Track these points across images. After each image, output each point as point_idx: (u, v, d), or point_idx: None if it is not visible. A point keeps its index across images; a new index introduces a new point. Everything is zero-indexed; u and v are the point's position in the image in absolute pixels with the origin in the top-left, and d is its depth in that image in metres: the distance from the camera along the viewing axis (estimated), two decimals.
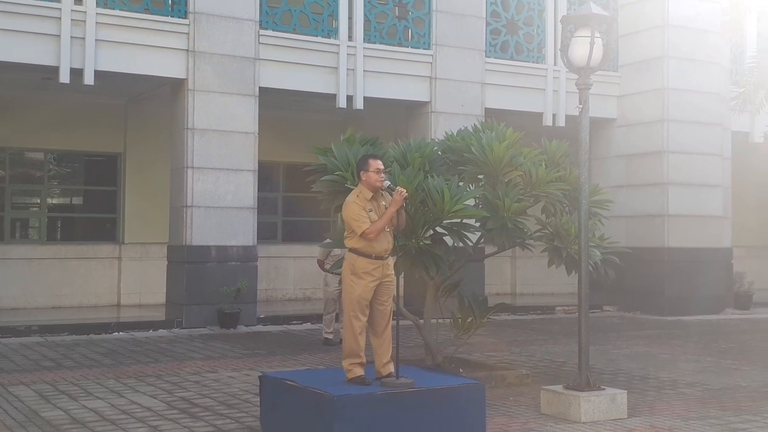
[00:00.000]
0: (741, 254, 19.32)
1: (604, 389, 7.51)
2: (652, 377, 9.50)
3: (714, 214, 17.64)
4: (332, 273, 11.39)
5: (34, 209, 16.84)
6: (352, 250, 6.58)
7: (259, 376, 7.14)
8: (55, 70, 12.79)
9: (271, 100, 14.67)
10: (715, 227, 17.66)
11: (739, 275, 18.25)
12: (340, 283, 10.13)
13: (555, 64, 16.77)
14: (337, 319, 11.93)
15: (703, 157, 17.51)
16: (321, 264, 11.80)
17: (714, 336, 13.75)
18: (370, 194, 6.56)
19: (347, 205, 6.61)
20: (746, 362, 10.75)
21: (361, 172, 6.66)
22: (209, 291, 13.43)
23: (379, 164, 6.61)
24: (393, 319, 6.60)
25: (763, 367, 10.30)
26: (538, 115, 16.82)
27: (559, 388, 7.55)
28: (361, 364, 6.51)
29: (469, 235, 8.77)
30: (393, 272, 6.63)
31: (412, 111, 16.09)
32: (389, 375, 6.47)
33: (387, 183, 6.55)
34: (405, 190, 6.51)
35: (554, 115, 16.94)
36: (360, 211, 6.49)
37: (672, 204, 17.19)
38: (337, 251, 11.06)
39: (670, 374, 9.70)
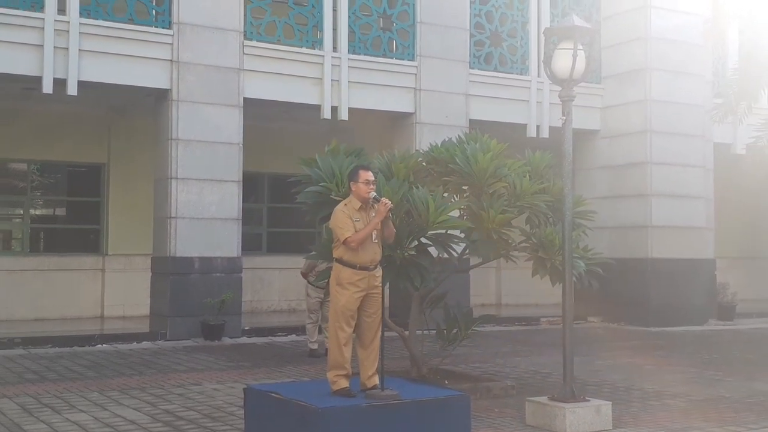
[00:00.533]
0: (724, 265, 19.44)
1: (589, 400, 7.52)
2: (636, 388, 9.52)
3: (697, 225, 17.74)
4: (315, 286, 11.38)
5: (17, 220, 16.73)
6: (337, 260, 6.60)
7: (244, 389, 7.11)
8: (38, 81, 12.73)
9: (256, 111, 14.66)
10: (698, 238, 17.76)
11: (723, 286, 18.35)
12: (325, 295, 10.14)
13: (539, 76, 16.85)
14: (320, 330, 11.92)
15: (686, 168, 17.62)
16: (305, 276, 11.79)
17: (698, 347, 13.80)
18: (359, 204, 6.58)
19: (334, 213, 6.67)
20: (730, 373, 10.79)
21: (351, 183, 6.72)
22: (193, 303, 13.37)
23: (370, 176, 6.64)
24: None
25: (746, 378, 10.34)
26: (522, 127, 16.89)
27: (544, 399, 7.55)
28: (346, 376, 6.50)
29: (453, 246, 8.78)
30: (380, 284, 6.62)
31: (397, 122, 16.12)
32: (374, 387, 6.46)
33: (373, 194, 6.56)
34: (389, 201, 6.53)
35: (538, 127, 17.02)
36: (345, 220, 6.52)
37: (655, 215, 17.28)
38: (321, 265, 11.06)
39: (654, 385, 9.72)
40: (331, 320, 6.62)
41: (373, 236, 6.52)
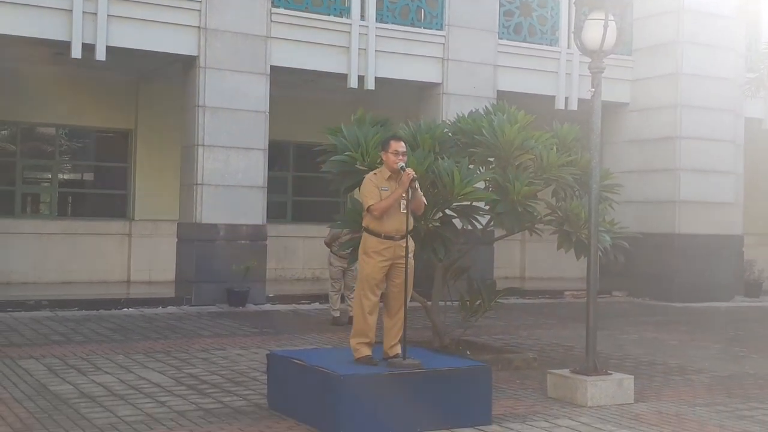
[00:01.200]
0: (752, 242, 19.24)
1: (611, 374, 7.51)
2: (659, 363, 9.49)
3: (725, 201, 17.56)
4: (338, 255, 11.41)
5: (45, 184, 16.89)
6: (364, 228, 6.65)
7: (267, 355, 7.17)
8: (66, 45, 12.78)
9: (283, 79, 14.64)
10: (726, 214, 17.58)
11: (750, 263, 18.19)
12: (350, 263, 10.16)
13: (568, 47, 16.65)
14: (342, 299, 11.98)
15: (716, 143, 17.41)
16: (329, 245, 11.82)
17: (723, 323, 13.72)
18: (388, 174, 6.58)
19: (364, 181, 6.73)
20: (755, 350, 10.73)
21: (382, 152, 6.74)
22: (218, 269, 13.46)
23: (400, 146, 6.61)
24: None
25: None
26: (551, 99, 16.74)
27: (565, 372, 7.55)
28: (368, 344, 6.53)
29: (478, 217, 8.75)
30: (410, 255, 6.60)
31: (423, 92, 16.03)
32: (396, 356, 6.49)
33: (401, 164, 6.53)
34: (413, 172, 6.48)
35: (567, 99, 16.86)
36: (372, 188, 6.55)
37: (683, 190, 17.12)
38: (345, 232, 11.07)
39: (677, 360, 9.69)
40: (357, 288, 6.66)
41: (402, 206, 6.48)
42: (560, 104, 16.79)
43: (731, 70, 17.58)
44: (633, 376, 7.63)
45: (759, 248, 19.81)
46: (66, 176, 17.35)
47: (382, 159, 6.76)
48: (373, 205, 6.50)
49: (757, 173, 19.96)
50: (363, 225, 6.68)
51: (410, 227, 6.64)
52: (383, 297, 6.65)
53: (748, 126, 18.46)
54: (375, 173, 6.73)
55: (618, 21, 7.68)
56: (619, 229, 9.09)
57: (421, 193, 6.79)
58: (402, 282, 6.52)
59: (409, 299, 6.67)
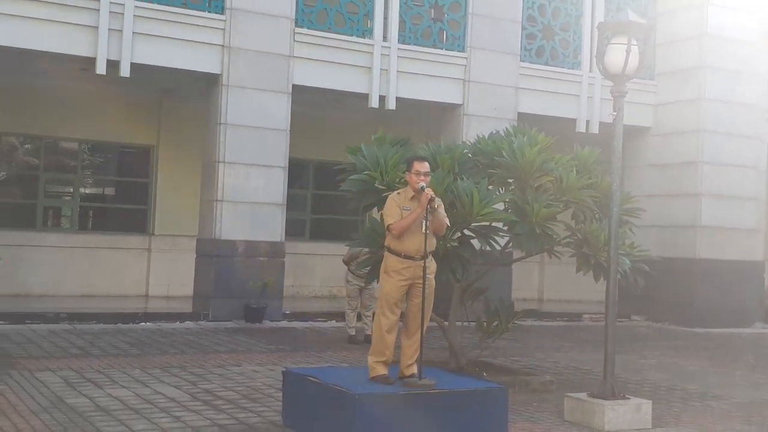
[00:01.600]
0: None
1: (629, 398, 7.45)
2: (678, 388, 9.40)
3: (747, 227, 17.43)
4: (357, 274, 11.38)
5: (67, 198, 17.03)
6: (386, 247, 6.69)
7: (283, 372, 7.17)
8: (92, 61, 12.93)
9: (304, 98, 14.70)
10: (747, 240, 17.45)
11: None
12: (366, 282, 10.14)
13: (590, 71, 16.64)
14: (359, 317, 11.96)
15: (738, 169, 17.31)
16: (347, 264, 11.83)
17: (743, 349, 13.58)
18: (412, 194, 6.58)
19: (387, 199, 6.78)
20: None
21: (407, 173, 6.78)
22: (236, 285, 13.49)
23: (422, 167, 6.63)
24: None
25: None
26: (572, 121, 16.72)
27: (583, 395, 7.49)
28: (385, 363, 6.51)
29: (496, 238, 8.73)
30: (430, 276, 6.59)
31: (444, 113, 16.06)
32: (411, 375, 6.46)
33: (422, 185, 6.53)
34: (431, 192, 6.48)
35: (588, 122, 16.83)
36: (394, 207, 6.58)
37: (705, 215, 17.02)
38: (365, 251, 11.06)
39: (697, 386, 9.59)
40: (377, 307, 6.66)
41: (424, 227, 6.47)
42: (581, 127, 16.75)
43: (754, 96, 17.51)
44: (651, 401, 7.56)
45: None
46: (88, 191, 17.49)
47: (406, 179, 6.79)
48: (392, 224, 6.52)
49: None
50: (385, 244, 6.72)
51: (431, 248, 6.63)
52: (402, 316, 6.64)
53: None
54: (399, 193, 6.76)
55: (641, 45, 7.67)
56: (639, 253, 9.04)
57: (444, 215, 6.77)
58: (418, 302, 6.50)
59: (428, 320, 6.64)
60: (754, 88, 17.52)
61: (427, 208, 6.41)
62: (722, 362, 11.95)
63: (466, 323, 9.25)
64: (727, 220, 17.13)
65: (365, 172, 8.33)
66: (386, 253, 6.68)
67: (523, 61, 16.31)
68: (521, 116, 15.62)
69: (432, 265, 6.72)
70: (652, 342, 13.98)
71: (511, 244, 9.27)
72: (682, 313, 16.67)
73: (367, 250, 9.78)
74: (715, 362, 11.92)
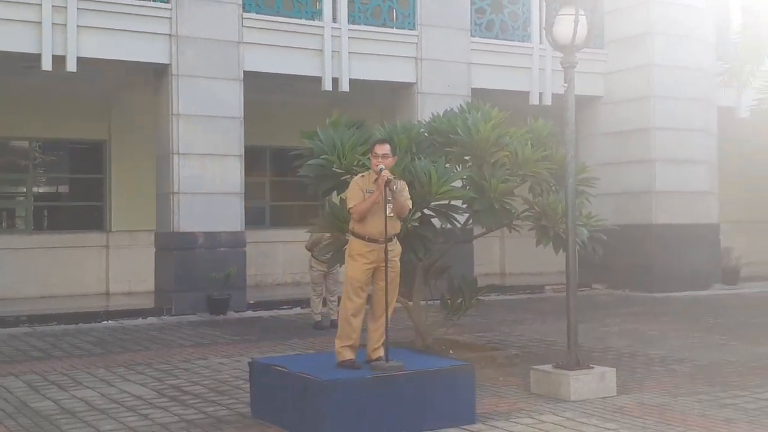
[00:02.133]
0: (728, 229, 19.35)
1: (593, 368, 7.53)
2: (641, 354, 9.54)
3: (701, 190, 17.70)
4: (320, 260, 11.35)
5: (20, 198, 16.74)
6: (350, 231, 6.68)
7: (249, 363, 7.13)
8: (37, 58, 12.67)
9: (256, 84, 14.58)
10: (702, 203, 17.72)
11: (727, 250, 18.31)
12: (329, 266, 10.13)
13: (541, 43, 16.72)
14: (324, 303, 11.95)
15: (690, 133, 17.54)
16: (310, 250, 11.78)
17: (702, 312, 13.81)
18: (375, 177, 6.55)
19: (351, 183, 6.76)
20: (734, 338, 10.80)
21: (370, 155, 6.76)
22: (198, 277, 13.39)
23: (380, 149, 6.60)
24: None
25: (751, 343, 10.36)
26: (525, 94, 16.80)
27: (548, 367, 7.57)
28: (351, 347, 6.51)
29: (456, 216, 8.75)
30: (395, 259, 6.58)
31: (398, 92, 16.03)
32: (379, 358, 6.47)
33: (381, 167, 6.50)
34: (387, 174, 6.44)
35: (541, 94, 16.92)
36: (356, 190, 6.57)
37: (659, 180, 17.24)
38: (327, 236, 11.02)
39: (659, 351, 9.74)
40: (343, 291, 6.65)
41: (388, 210, 6.45)
42: (535, 100, 16.84)
43: (702, 60, 17.72)
44: (615, 369, 7.66)
45: (735, 236, 19.95)
46: (41, 189, 17.19)
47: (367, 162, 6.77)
48: (353, 207, 6.52)
49: (731, 161, 20.12)
50: (349, 228, 6.71)
51: (395, 230, 6.62)
52: (369, 301, 6.64)
53: (721, 115, 18.59)
54: (362, 176, 6.74)
55: (589, 15, 7.70)
56: (596, 222, 9.12)
57: (407, 196, 6.76)
58: (383, 285, 6.49)
59: (393, 303, 6.65)
60: (702, 53, 17.73)
61: (385, 190, 6.38)
62: (682, 326, 12.14)
63: (430, 302, 9.29)
64: (681, 184, 17.38)
65: (322, 157, 8.28)
66: (350, 237, 6.67)
67: (473, 36, 16.32)
68: (475, 92, 15.67)
69: (397, 247, 6.71)
70: (612, 309, 14.17)
71: (471, 221, 9.30)
72: (641, 279, 16.91)
73: (328, 234, 9.77)
74: (675, 326, 12.11)
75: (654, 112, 17.27)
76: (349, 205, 6.57)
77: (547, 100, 16.86)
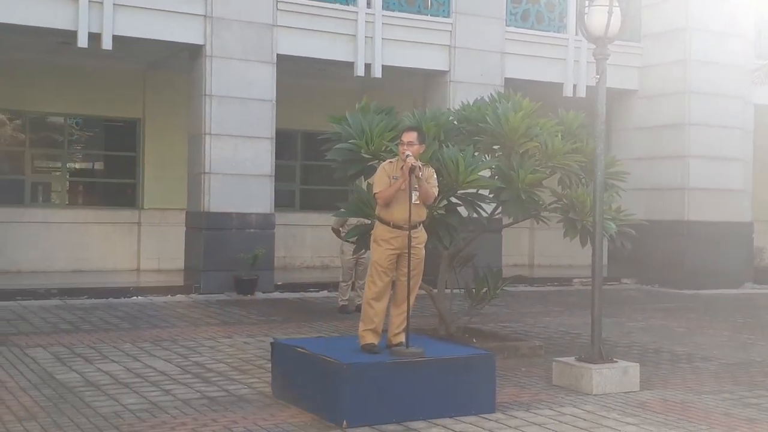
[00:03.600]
0: (762, 229, 19.12)
1: (616, 362, 7.50)
2: (666, 351, 9.47)
3: (735, 188, 17.48)
4: (347, 241, 11.34)
5: (56, 173, 16.95)
6: (376, 216, 6.73)
7: (271, 343, 7.19)
8: (73, 35, 12.80)
9: (289, 68, 14.61)
10: (735, 201, 17.51)
11: (759, 250, 18.13)
12: (355, 251, 10.15)
13: (576, 34, 16.46)
14: (352, 287, 11.97)
15: (725, 130, 17.32)
16: (336, 232, 11.78)
17: (732, 310, 13.68)
18: (402, 164, 6.55)
19: (378, 169, 6.80)
20: (763, 337, 10.69)
21: (398, 142, 6.78)
22: (227, 257, 13.49)
23: (408, 136, 6.62)
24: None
25: None
26: (559, 86, 16.67)
27: (571, 359, 7.54)
28: (373, 331, 6.54)
29: (483, 205, 8.74)
30: (419, 246, 6.60)
31: (430, 80, 15.99)
32: (399, 344, 6.50)
33: (407, 154, 6.50)
34: (413, 160, 6.42)
35: (575, 86, 16.78)
36: (383, 176, 6.59)
37: (692, 177, 17.05)
38: (353, 220, 11.04)
39: (685, 348, 9.67)
40: (367, 275, 6.69)
41: (414, 197, 6.46)
42: (568, 91, 16.71)
43: (740, 57, 17.47)
44: (638, 364, 7.61)
45: None
46: (76, 165, 17.40)
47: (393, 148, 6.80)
48: (378, 192, 6.55)
49: (766, 160, 19.84)
50: (375, 213, 6.75)
51: (420, 218, 6.63)
52: (393, 286, 6.65)
53: (758, 112, 18.34)
54: (390, 162, 6.75)
55: (623, 6, 7.63)
56: (625, 216, 9.05)
57: (434, 184, 6.76)
58: (406, 272, 6.50)
59: (416, 290, 6.66)
60: (739, 49, 17.47)
61: (410, 177, 6.39)
62: (710, 323, 12.03)
63: (455, 290, 9.28)
64: (714, 182, 17.18)
65: (350, 141, 8.29)
66: (376, 222, 6.71)
67: (508, 25, 16.21)
68: (508, 82, 15.59)
69: (422, 234, 6.72)
70: (641, 304, 14.06)
71: (499, 211, 9.27)
72: (672, 275, 16.76)
73: (355, 219, 9.81)
74: (703, 323, 12.00)
75: (689, 107, 17.06)
76: (375, 190, 6.61)
77: (581, 93, 16.71)
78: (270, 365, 7.24)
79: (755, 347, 9.91)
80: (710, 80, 17.10)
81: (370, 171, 8.28)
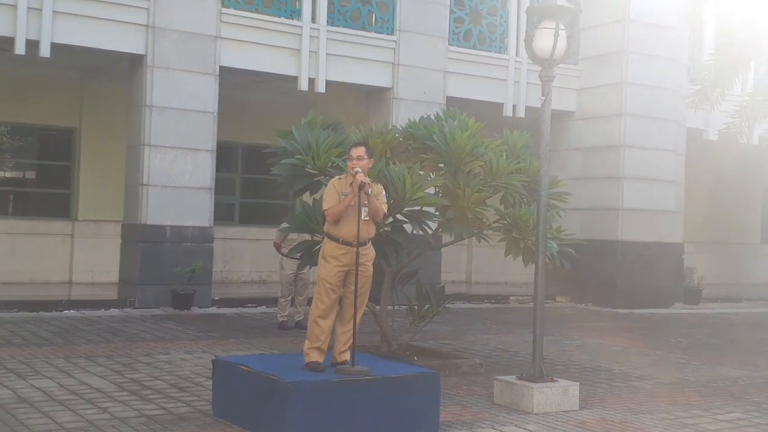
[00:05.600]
0: (692, 249, 19.64)
1: (556, 381, 7.58)
2: (603, 369, 9.61)
3: (667, 209, 17.89)
4: (290, 257, 11.26)
5: None
6: (325, 233, 6.68)
7: (212, 361, 7.07)
8: (10, 41, 12.49)
9: (232, 80, 14.49)
10: (667, 222, 17.92)
11: (690, 270, 18.55)
12: (299, 267, 10.08)
13: (517, 55, 16.83)
14: (292, 303, 11.89)
15: (658, 152, 17.73)
16: (278, 247, 11.71)
17: (664, 330, 13.96)
18: (351, 180, 6.53)
19: (328, 185, 6.75)
20: (695, 357, 10.93)
21: (346, 158, 6.76)
22: (163, 271, 13.26)
23: (356, 151, 6.60)
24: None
25: (712, 363, 10.48)
26: (499, 105, 16.86)
27: (512, 378, 7.60)
28: (318, 349, 6.48)
29: (429, 223, 8.77)
30: (368, 263, 6.58)
31: (374, 96, 16.03)
32: (344, 362, 6.46)
33: (357, 170, 6.49)
34: (362, 177, 6.42)
35: (515, 106, 16.99)
36: (332, 192, 6.56)
37: (627, 198, 17.39)
38: (293, 235, 10.99)
39: (621, 367, 9.82)
40: (315, 292, 6.62)
41: (363, 213, 6.44)
42: (508, 111, 16.91)
43: (675, 81, 17.93)
44: (578, 383, 7.71)
45: (698, 256, 20.25)
46: (8, 174, 16.89)
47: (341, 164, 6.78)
48: (328, 209, 6.51)
49: (698, 182, 20.41)
50: (324, 229, 6.72)
51: (369, 235, 6.62)
52: (339, 303, 6.62)
53: (690, 136, 18.84)
54: (339, 178, 6.74)
55: (568, 30, 7.77)
56: (566, 237, 9.18)
57: (383, 200, 6.76)
58: (355, 289, 6.47)
59: (363, 307, 6.63)
60: (674, 73, 17.93)
61: (360, 194, 6.37)
62: (644, 342, 12.26)
63: (396, 307, 9.28)
64: (648, 203, 17.55)
65: (297, 157, 8.25)
66: (325, 239, 6.66)
67: (451, 44, 16.36)
68: (449, 100, 15.71)
69: (371, 252, 6.70)
70: (576, 323, 14.25)
71: (441, 228, 9.31)
72: (605, 294, 17.05)
73: (296, 234, 9.73)
74: (637, 342, 12.22)
75: (625, 130, 17.42)
76: (325, 206, 6.57)
77: (521, 113, 16.95)
78: (210, 382, 7.12)
79: (689, 367, 10.12)
80: (645, 103, 17.50)
81: (317, 187, 8.25)
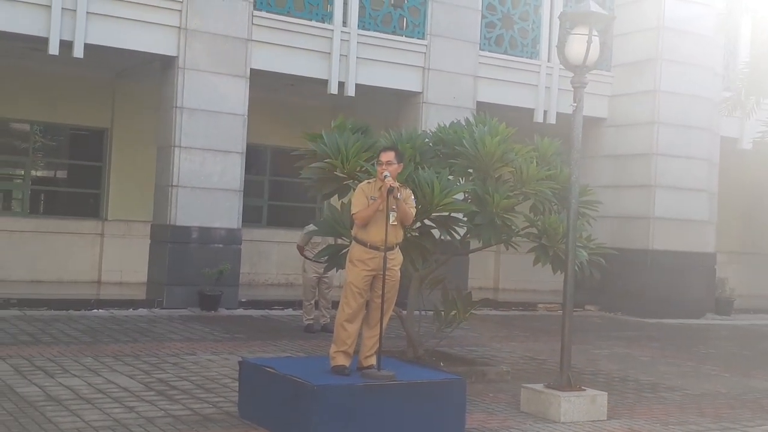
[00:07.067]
0: (724, 260, 19.40)
1: (584, 390, 7.49)
2: (631, 379, 9.50)
3: (699, 219, 17.68)
4: (316, 260, 11.26)
5: (18, 181, 16.63)
6: (353, 237, 6.67)
7: (239, 362, 7.07)
8: (44, 41, 12.60)
9: (262, 83, 14.54)
10: (699, 231, 17.70)
11: (722, 281, 18.32)
12: (326, 271, 10.07)
13: (548, 61, 16.73)
14: (316, 306, 11.88)
15: (691, 161, 17.53)
16: (301, 249, 11.70)
17: (694, 340, 13.79)
18: (381, 184, 6.51)
19: (356, 189, 6.75)
20: (726, 369, 10.77)
21: (375, 162, 6.78)
22: (191, 272, 13.31)
23: (386, 156, 6.59)
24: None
25: (742, 375, 10.33)
26: (530, 111, 16.77)
27: (539, 386, 7.52)
28: (345, 353, 6.46)
29: (456, 228, 8.72)
30: (395, 268, 6.55)
31: (403, 100, 16.00)
32: (370, 367, 6.43)
33: (385, 174, 6.47)
34: (390, 182, 6.39)
35: (545, 112, 16.89)
36: (360, 196, 6.55)
37: (658, 206, 17.21)
38: (317, 239, 11.00)
39: (649, 377, 9.70)
40: (342, 296, 6.61)
41: (391, 218, 6.41)
42: (539, 117, 16.82)
43: (708, 89, 17.73)
44: (606, 393, 7.62)
45: (731, 266, 19.99)
46: (39, 173, 17.08)
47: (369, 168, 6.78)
48: (356, 213, 6.50)
49: (731, 192, 20.14)
50: (352, 233, 6.70)
51: (397, 239, 6.58)
52: (367, 307, 6.59)
53: (724, 145, 18.61)
54: (368, 182, 6.73)
55: (601, 36, 7.69)
56: (596, 245, 9.09)
57: (412, 205, 6.72)
58: (380, 294, 6.44)
59: (389, 312, 6.60)
60: (708, 81, 17.73)
61: (388, 198, 6.34)
62: (674, 353, 12.11)
63: (423, 312, 9.24)
64: (680, 212, 17.35)
65: (326, 160, 8.24)
66: (352, 243, 6.65)
67: (482, 49, 16.30)
68: (480, 105, 15.65)
69: (398, 256, 6.68)
70: (605, 332, 14.12)
71: (469, 234, 9.26)
72: (635, 304, 16.87)
73: (321, 238, 9.73)
74: (666, 353, 12.07)
75: (657, 138, 17.26)
76: (353, 210, 6.56)
77: (552, 119, 16.84)
78: (236, 384, 7.13)
79: (719, 378, 9.97)
80: (678, 111, 17.32)
81: (345, 191, 8.23)
